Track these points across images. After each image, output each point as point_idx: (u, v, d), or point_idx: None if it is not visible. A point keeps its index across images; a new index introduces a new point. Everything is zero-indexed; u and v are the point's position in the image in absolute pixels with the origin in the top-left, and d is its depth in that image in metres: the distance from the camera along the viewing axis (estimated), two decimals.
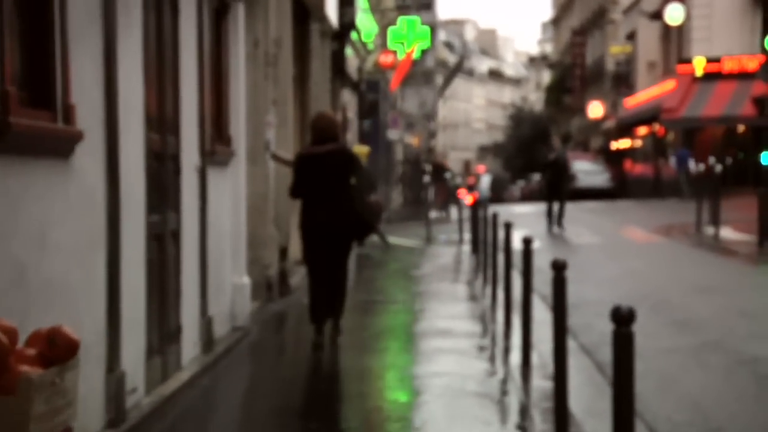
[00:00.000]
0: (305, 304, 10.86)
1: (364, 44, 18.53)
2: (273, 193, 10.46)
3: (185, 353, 6.52)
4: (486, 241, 11.85)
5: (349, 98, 19.07)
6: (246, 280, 8.45)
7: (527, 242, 7.65)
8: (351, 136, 19.00)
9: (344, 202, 7.77)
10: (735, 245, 16.82)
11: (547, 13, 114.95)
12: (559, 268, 5.80)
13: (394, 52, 25.92)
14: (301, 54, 13.00)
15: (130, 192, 5.34)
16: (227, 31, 7.91)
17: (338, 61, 16.06)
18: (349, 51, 17.20)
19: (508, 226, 9.56)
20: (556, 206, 20.29)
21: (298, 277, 12.05)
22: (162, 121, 6.15)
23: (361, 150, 17.12)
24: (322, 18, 13.62)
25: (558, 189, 20.39)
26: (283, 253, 10.83)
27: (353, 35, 17.42)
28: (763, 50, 17.05)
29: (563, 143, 25.61)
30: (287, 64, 10.71)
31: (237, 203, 8.31)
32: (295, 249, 13.04)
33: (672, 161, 35.94)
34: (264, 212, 10.06)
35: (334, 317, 8.07)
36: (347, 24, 15.78)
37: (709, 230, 18.70)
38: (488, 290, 10.85)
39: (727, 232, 18.46)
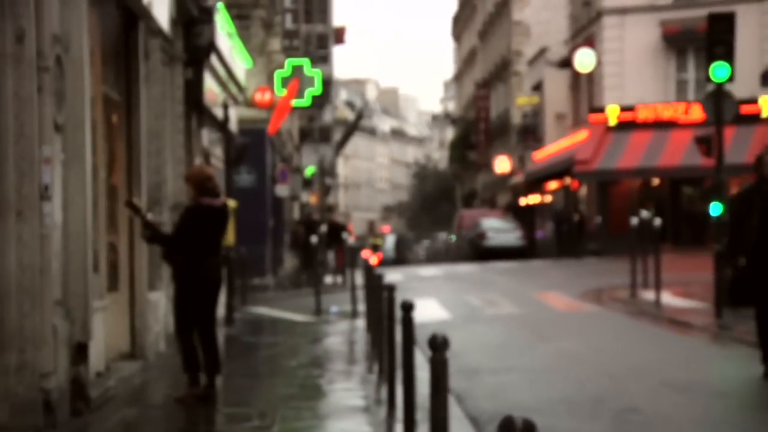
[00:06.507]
0: (110, 428, 7.41)
1: (231, 75, 15.19)
2: (59, 265, 7.00)
3: None
4: (382, 314, 8.58)
5: (213, 141, 15.64)
6: None
7: (436, 347, 4.41)
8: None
9: (219, 254, 8.20)
10: (683, 315, 13.97)
11: (450, 72, 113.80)
12: None
13: (272, 90, 22.59)
14: (128, 71, 9.63)
15: None
16: None
17: (194, 92, 12.69)
18: (211, 83, 13.83)
19: (407, 309, 6.38)
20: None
21: (114, 380, 8.50)
22: None
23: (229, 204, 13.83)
24: (160, 31, 10.32)
25: None
26: (81, 351, 7.32)
27: (218, 64, 14.08)
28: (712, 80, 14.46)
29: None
30: (82, 75, 7.31)
31: None
32: (119, 340, 9.49)
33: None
34: (38, 293, 6.59)
35: (210, 375, 8.01)
36: (204, 47, 12.46)
37: (646, 295, 16.02)
38: (386, 391, 7.62)
39: (666, 298, 15.69)
